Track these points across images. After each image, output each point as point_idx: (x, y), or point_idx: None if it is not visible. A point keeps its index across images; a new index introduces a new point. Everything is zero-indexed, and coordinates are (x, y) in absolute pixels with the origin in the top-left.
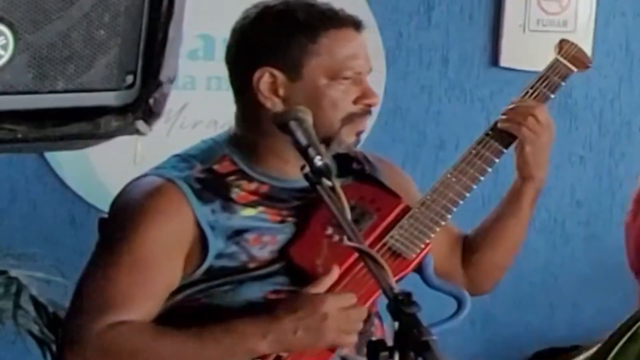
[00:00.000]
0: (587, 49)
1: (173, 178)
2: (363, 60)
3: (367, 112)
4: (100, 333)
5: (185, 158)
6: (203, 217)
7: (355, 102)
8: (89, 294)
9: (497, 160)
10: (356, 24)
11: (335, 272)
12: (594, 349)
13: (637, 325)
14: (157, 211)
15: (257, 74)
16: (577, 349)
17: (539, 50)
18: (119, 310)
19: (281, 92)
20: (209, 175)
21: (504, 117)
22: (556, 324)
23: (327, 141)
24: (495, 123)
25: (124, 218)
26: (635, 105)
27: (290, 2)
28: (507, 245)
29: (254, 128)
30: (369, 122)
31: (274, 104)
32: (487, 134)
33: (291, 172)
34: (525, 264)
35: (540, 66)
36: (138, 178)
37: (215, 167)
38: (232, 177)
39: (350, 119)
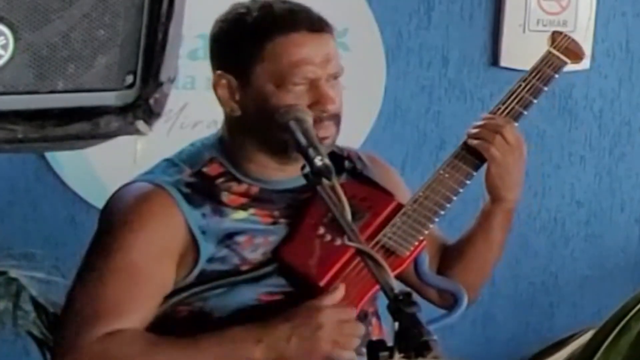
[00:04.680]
0: (587, 48)
1: (162, 184)
2: (318, 65)
3: (324, 118)
4: (94, 343)
5: (174, 162)
6: (194, 222)
7: (309, 107)
8: (81, 302)
9: None
10: (313, 26)
11: (341, 290)
12: (587, 338)
13: (629, 315)
14: (147, 218)
15: (214, 79)
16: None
17: (539, 50)
18: (112, 318)
19: (237, 96)
20: (198, 179)
21: (474, 131)
22: (556, 324)
23: (284, 148)
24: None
25: (114, 225)
26: (635, 105)
27: (251, 5)
28: (477, 265)
29: (230, 134)
30: (369, 122)
31: (233, 109)
32: None
33: (271, 175)
34: (525, 264)
35: None
36: (128, 184)
37: (205, 170)
38: (221, 180)
39: None
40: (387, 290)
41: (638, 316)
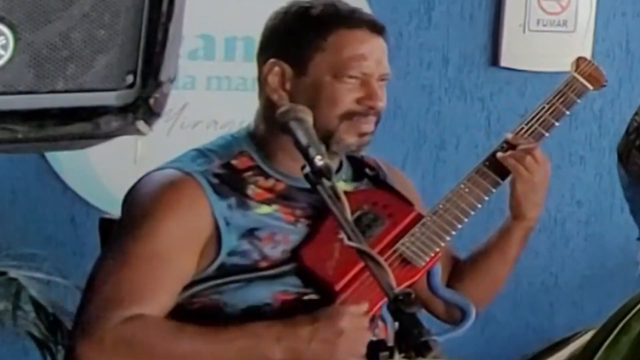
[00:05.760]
0: (587, 48)
1: (191, 172)
2: (373, 62)
3: (370, 113)
4: (117, 325)
5: (203, 152)
6: (219, 212)
7: (358, 101)
8: (105, 285)
9: (511, 173)
10: (374, 27)
11: (365, 306)
12: (588, 338)
13: (630, 315)
14: (175, 204)
15: (266, 67)
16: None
17: (539, 50)
18: (135, 302)
19: (288, 85)
20: (226, 171)
21: (503, 154)
22: (556, 324)
23: (325, 139)
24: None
25: (140, 210)
26: (635, 105)
27: (314, 1)
28: (490, 280)
29: (267, 124)
30: None
31: (280, 97)
32: (502, 147)
33: (298, 171)
34: (525, 264)
35: (541, 66)
36: (155, 170)
37: (234, 162)
38: (249, 173)
39: (348, 116)
40: (387, 290)
41: (638, 316)
